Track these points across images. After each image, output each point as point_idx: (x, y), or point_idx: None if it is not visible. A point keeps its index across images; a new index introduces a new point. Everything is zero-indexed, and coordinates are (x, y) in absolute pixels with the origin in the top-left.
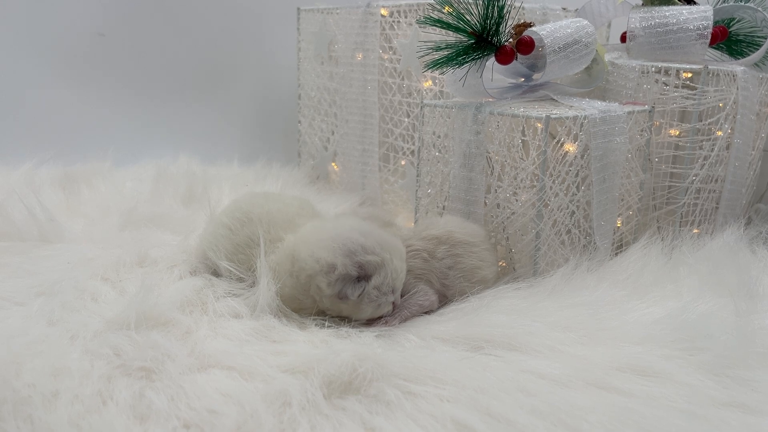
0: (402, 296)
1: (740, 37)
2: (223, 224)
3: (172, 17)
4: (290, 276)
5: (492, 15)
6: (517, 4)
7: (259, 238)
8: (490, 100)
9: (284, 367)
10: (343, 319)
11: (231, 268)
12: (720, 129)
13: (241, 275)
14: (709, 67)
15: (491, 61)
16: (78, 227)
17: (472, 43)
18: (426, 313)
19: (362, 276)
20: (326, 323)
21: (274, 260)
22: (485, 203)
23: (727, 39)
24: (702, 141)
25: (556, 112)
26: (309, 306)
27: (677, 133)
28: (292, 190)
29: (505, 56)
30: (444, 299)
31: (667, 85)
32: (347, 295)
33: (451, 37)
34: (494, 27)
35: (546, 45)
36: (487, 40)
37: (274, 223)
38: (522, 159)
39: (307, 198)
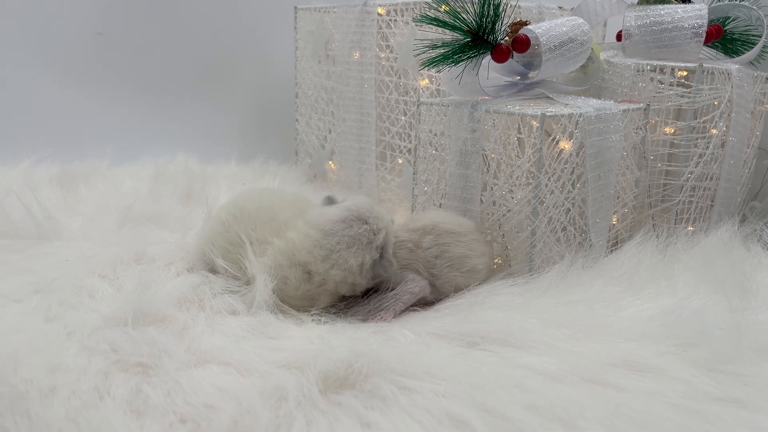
0: (392, 289)
1: (735, 36)
2: (220, 220)
3: (170, 16)
4: (305, 282)
5: (488, 13)
6: (513, 3)
7: (247, 237)
8: (486, 98)
9: (280, 362)
10: (338, 315)
11: (226, 267)
12: (715, 127)
13: (236, 274)
14: (704, 65)
15: (487, 59)
16: (76, 225)
17: (468, 42)
18: (425, 304)
19: (382, 252)
20: (323, 319)
21: (269, 265)
22: (481, 201)
23: (722, 37)
24: (697, 139)
25: (551, 110)
26: (327, 302)
27: (672, 131)
28: (290, 189)
29: (500, 54)
30: (434, 289)
31: (662, 83)
32: (381, 274)
33: (448, 35)
34: (490, 25)
35: (542, 43)
36: (483, 39)
37: (261, 221)
38: (518, 156)
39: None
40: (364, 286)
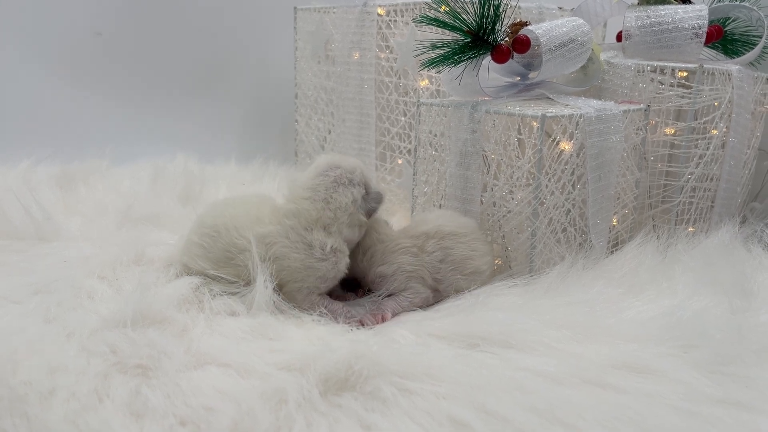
0: (392, 295)
1: (735, 37)
2: (195, 242)
3: (170, 16)
4: (328, 237)
5: (488, 14)
6: (513, 3)
7: (233, 251)
8: (487, 98)
9: (280, 364)
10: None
11: (220, 275)
12: (715, 128)
13: (231, 279)
14: (705, 66)
15: (487, 59)
16: (75, 226)
17: (469, 42)
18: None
19: (367, 189)
20: (322, 320)
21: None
22: (481, 201)
23: (722, 38)
24: (697, 140)
25: (552, 110)
26: (346, 264)
27: (673, 131)
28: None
29: (501, 55)
30: (438, 294)
31: (662, 84)
32: (375, 207)
33: (448, 35)
34: (490, 26)
35: (542, 44)
36: (483, 39)
37: (239, 232)
38: (518, 157)
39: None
40: (367, 224)
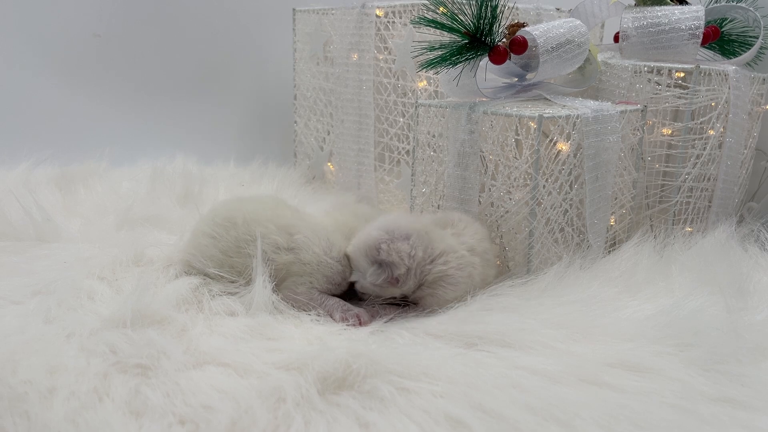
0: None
1: (732, 37)
2: (205, 233)
3: (168, 18)
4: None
5: (485, 15)
6: (511, 5)
7: (247, 240)
8: (484, 99)
9: (279, 363)
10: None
11: (221, 274)
12: (712, 128)
13: (232, 278)
14: (701, 66)
15: (485, 60)
16: (74, 227)
17: (466, 43)
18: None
19: None
20: (320, 320)
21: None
22: (479, 202)
23: (719, 39)
24: (694, 140)
25: (549, 111)
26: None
27: (670, 132)
28: (288, 190)
29: (498, 56)
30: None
31: (659, 84)
32: None
33: (445, 37)
34: (487, 27)
35: (539, 45)
36: (481, 40)
37: (259, 222)
38: (515, 158)
39: (302, 197)
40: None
